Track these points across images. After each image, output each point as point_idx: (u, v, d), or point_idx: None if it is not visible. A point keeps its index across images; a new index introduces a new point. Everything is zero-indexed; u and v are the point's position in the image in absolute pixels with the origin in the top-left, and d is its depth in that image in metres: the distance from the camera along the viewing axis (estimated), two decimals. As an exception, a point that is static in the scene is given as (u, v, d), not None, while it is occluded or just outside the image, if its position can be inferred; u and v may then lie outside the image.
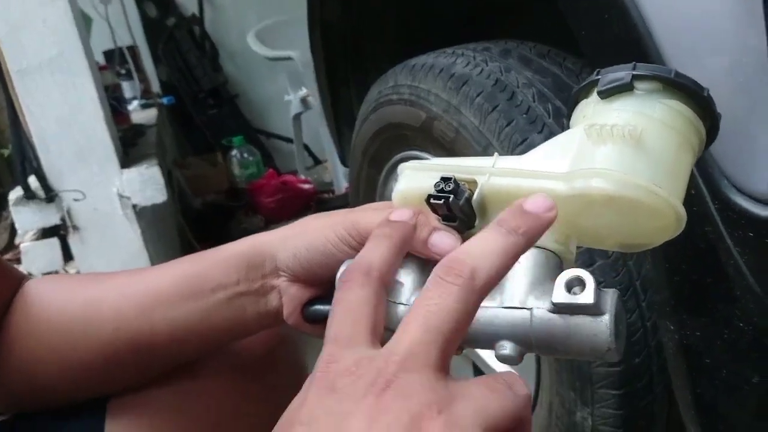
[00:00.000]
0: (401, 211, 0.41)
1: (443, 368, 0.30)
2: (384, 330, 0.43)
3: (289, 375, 0.58)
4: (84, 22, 1.39)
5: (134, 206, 1.17)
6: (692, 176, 0.54)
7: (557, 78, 0.89)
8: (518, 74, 0.88)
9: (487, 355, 1.05)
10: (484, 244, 0.33)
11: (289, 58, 2.50)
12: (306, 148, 3.09)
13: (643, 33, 0.54)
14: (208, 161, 2.95)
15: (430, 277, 0.32)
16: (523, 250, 0.34)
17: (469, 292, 0.31)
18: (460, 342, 0.32)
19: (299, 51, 2.39)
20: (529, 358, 0.91)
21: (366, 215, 0.45)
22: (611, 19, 0.56)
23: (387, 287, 0.35)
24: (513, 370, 0.33)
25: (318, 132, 2.51)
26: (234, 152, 2.97)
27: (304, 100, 2.64)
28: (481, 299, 0.32)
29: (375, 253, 0.36)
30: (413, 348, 0.29)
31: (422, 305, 0.31)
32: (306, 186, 2.76)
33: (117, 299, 0.49)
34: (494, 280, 0.33)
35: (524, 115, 0.83)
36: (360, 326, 0.31)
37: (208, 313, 0.47)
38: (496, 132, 0.84)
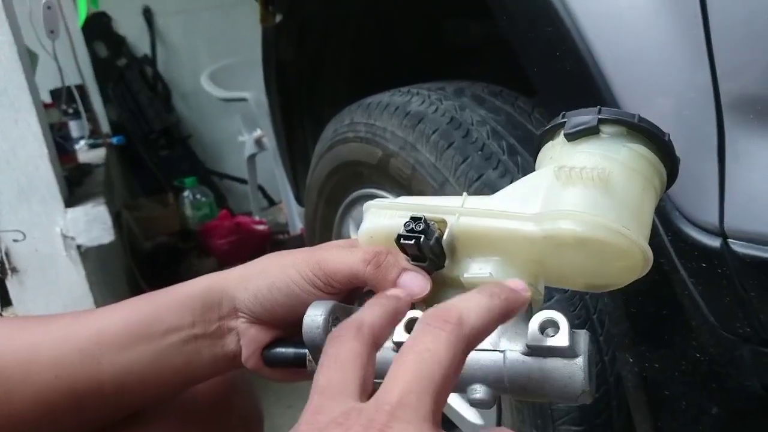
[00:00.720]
0: (411, 275, 0.41)
1: (436, 419, 0.28)
2: None
3: (242, 424, 0.55)
4: (29, 59, 1.35)
5: (79, 247, 1.11)
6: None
7: (510, 116, 0.91)
8: (473, 112, 0.90)
9: (458, 405, 1.03)
10: (469, 297, 0.33)
11: (243, 99, 2.50)
12: (261, 189, 3.06)
13: (593, 70, 0.55)
14: (159, 202, 2.88)
15: (416, 325, 0.31)
16: (502, 313, 0.34)
17: (458, 338, 0.30)
18: (450, 392, 0.30)
19: (253, 92, 2.39)
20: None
21: (331, 254, 0.44)
22: (562, 56, 0.57)
23: (378, 346, 0.33)
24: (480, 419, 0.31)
25: (273, 173, 2.50)
26: (186, 193, 2.92)
27: (258, 141, 2.62)
28: (469, 348, 0.31)
29: (367, 312, 0.35)
30: (405, 398, 0.27)
31: (412, 351, 0.29)
32: (260, 227, 2.72)
33: (59, 344, 0.45)
34: (481, 331, 0.32)
35: (479, 152, 0.84)
36: (349, 378, 0.30)
37: (160, 357, 0.44)
38: (452, 168, 0.85)
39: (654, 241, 0.56)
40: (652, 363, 0.60)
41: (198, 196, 2.94)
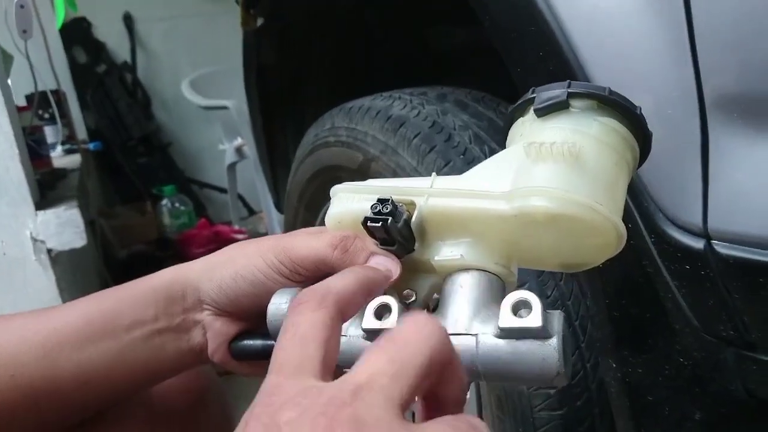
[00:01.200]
0: (380, 259, 0.40)
1: (404, 408, 0.26)
2: None
3: (214, 428, 0.53)
4: (3, 59, 1.32)
5: (49, 251, 1.08)
6: (629, 210, 0.55)
7: (492, 122, 0.90)
8: (455, 117, 0.89)
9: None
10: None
11: (224, 107, 2.48)
12: (241, 198, 3.03)
13: (576, 70, 0.55)
14: (137, 210, 2.84)
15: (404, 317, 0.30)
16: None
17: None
18: (428, 384, 0.28)
19: (234, 100, 2.37)
20: (471, 411, 0.89)
21: (298, 240, 0.42)
22: (546, 57, 0.57)
23: (344, 318, 0.31)
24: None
25: (253, 182, 2.47)
26: (165, 201, 2.88)
27: (239, 150, 2.60)
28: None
29: (336, 279, 0.33)
30: (374, 378, 0.25)
31: (390, 338, 0.27)
32: (240, 236, 2.69)
33: (15, 343, 0.42)
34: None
35: (461, 156, 0.83)
36: (309, 353, 0.27)
37: (123, 353, 0.42)
38: (434, 172, 0.84)
39: (637, 242, 0.55)
40: (636, 368, 0.59)
41: (176, 205, 2.90)
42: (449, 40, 1.28)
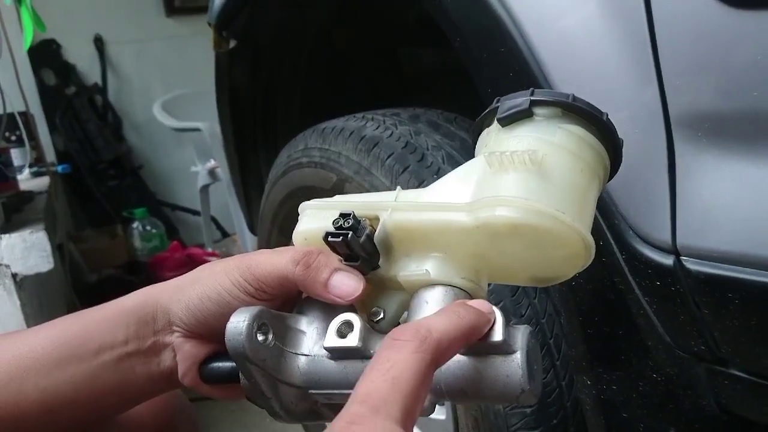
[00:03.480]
0: (343, 276, 0.39)
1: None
2: (281, 384, 0.39)
3: None
4: (-32, 81, 1.30)
5: (14, 275, 1.05)
6: (599, 227, 0.55)
7: (465, 142, 0.91)
8: (428, 137, 0.89)
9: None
10: (436, 316, 0.32)
11: (196, 129, 2.46)
12: (214, 220, 3.00)
13: (542, 85, 0.56)
14: (107, 234, 2.78)
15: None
16: (467, 334, 0.32)
17: (426, 351, 0.28)
18: (421, 406, 0.28)
19: (207, 122, 2.36)
20: (447, 428, 0.88)
21: (261, 257, 0.42)
22: (516, 77, 0.58)
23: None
24: None
25: (226, 204, 2.45)
26: (135, 224, 2.84)
27: (212, 172, 2.58)
28: (437, 363, 0.29)
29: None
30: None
31: (377, 369, 0.27)
32: (212, 259, 2.65)
33: None
34: (448, 346, 0.30)
35: (435, 176, 0.84)
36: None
37: (92, 378, 0.41)
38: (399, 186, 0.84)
39: (609, 260, 0.55)
40: (610, 385, 0.59)
41: (148, 228, 2.86)
42: (419, 61, 1.30)
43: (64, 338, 0.42)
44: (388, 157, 0.88)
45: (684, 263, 0.50)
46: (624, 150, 0.52)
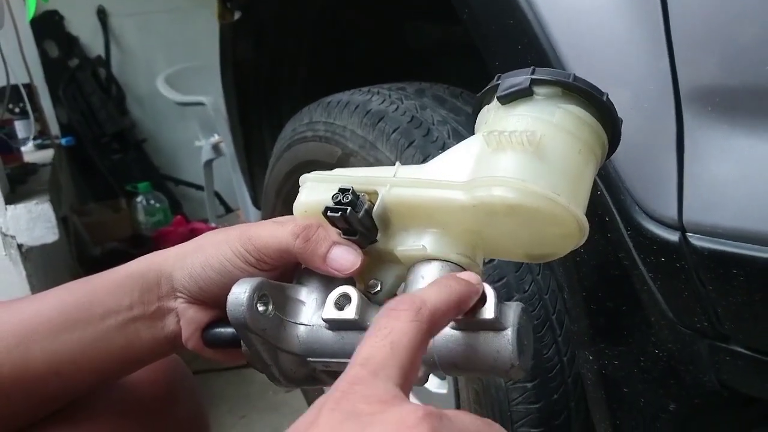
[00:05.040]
0: (342, 249, 0.40)
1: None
2: (280, 352, 0.40)
3: (186, 421, 0.52)
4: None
5: (20, 246, 1.05)
6: (605, 203, 0.55)
7: (470, 117, 0.90)
8: (433, 112, 0.89)
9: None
10: (428, 287, 0.33)
11: (200, 103, 2.45)
12: (217, 195, 3.00)
13: (553, 61, 0.55)
14: (111, 207, 2.79)
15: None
16: (458, 304, 0.34)
17: (421, 319, 0.30)
18: (417, 372, 0.30)
19: (211, 96, 2.35)
20: (449, 405, 0.89)
21: (263, 228, 0.42)
22: (524, 49, 0.57)
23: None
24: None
25: (230, 179, 2.45)
26: (139, 198, 2.84)
27: (215, 147, 2.57)
28: (431, 330, 0.31)
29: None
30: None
31: (375, 335, 0.29)
32: (216, 234, 2.66)
33: None
34: (441, 314, 0.32)
35: (440, 151, 0.83)
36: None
37: (97, 342, 0.42)
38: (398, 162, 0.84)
39: (613, 236, 0.55)
40: (612, 360, 0.60)
41: (152, 202, 2.86)
42: (426, 35, 1.28)
43: (71, 303, 0.43)
44: (394, 131, 0.87)
45: (689, 239, 0.50)
46: (632, 124, 0.52)
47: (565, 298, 0.73)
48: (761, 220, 0.46)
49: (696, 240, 0.50)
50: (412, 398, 0.99)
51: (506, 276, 0.75)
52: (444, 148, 0.84)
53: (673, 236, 0.51)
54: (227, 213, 3.13)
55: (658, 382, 0.58)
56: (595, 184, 0.54)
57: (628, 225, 0.54)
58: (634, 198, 0.54)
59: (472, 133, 0.88)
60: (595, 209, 0.55)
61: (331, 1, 1.19)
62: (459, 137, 0.85)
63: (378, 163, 0.88)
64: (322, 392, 1.41)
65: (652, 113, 0.51)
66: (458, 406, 0.88)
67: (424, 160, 0.85)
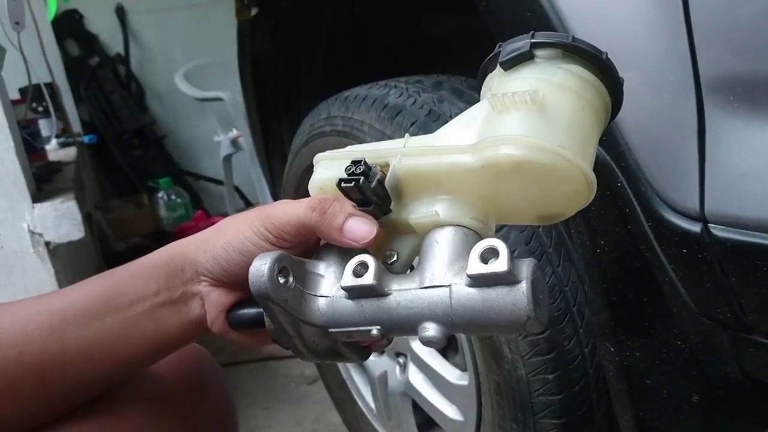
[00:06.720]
0: (357, 220, 0.43)
1: None
2: (303, 324, 0.41)
3: (216, 412, 0.54)
4: (-5, 51, 1.31)
5: (47, 244, 1.08)
6: (625, 195, 0.55)
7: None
8: (451, 105, 0.89)
9: (427, 393, 1.02)
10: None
11: (219, 99, 2.47)
12: (237, 189, 3.02)
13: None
14: (133, 203, 2.83)
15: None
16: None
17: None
18: None
19: (229, 92, 2.36)
20: (470, 397, 0.89)
21: (280, 207, 0.44)
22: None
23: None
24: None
25: (249, 174, 2.47)
26: (161, 194, 2.88)
27: (234, 141, 2.59)
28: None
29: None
30: None
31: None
32: (236, 228, 2.68)
33: (22, 322, 0.43)
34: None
35: (458, 144, 0.83)
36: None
37: (126, 328, 0.44)
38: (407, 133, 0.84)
39: (634, 227, 0.55)
40: (633, 352, 0.60)
41: (173, 197, 2.89)
42: (443, 27, 1.28)
43: (101, 292, 0.44)
44: (411, 125, 0.87)
45: (711, 230, 0.50)
46: (652, 115, 0.51)
47: (585, 290, 0.72)
48: (785, 210, 0.45)
49: (718, 231, 0.50)
50: (434, 389, 0.99)
51: (526, 268, 0.75)
52: (462, 140, 0.85)
53: (695, 227, 0.51)
54: (247, 207, 3.15)
55: (681, 374, 0.58)
56: (615, 175, 0.54)
57: (649, 216, 0.54)
58: (654, 189, 0.54)
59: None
60: (615, 201, 0.55)
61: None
62: (477, 130, 0.85)
63: (396, 156, 0.88)
64: (343, 381, 1.41)
65: (672, 104, 0.51)
66: (479, 398, 0.88)
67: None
